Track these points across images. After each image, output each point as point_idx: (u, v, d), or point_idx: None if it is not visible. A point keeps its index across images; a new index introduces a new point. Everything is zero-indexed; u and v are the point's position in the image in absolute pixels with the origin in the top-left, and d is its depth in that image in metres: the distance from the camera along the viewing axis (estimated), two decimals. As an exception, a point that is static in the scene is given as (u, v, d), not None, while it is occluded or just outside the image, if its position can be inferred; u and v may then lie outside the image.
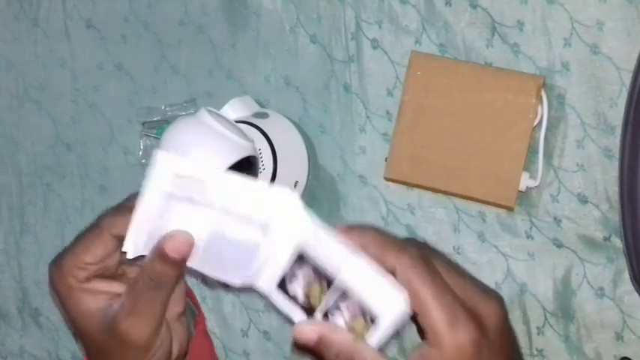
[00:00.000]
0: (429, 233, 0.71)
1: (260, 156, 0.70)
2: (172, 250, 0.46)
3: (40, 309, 0.86)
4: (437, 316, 0.42)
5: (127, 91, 0.81)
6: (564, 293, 0.68)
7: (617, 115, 0.64)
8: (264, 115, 0.73)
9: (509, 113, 0.63)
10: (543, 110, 0.64)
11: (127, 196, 0.49)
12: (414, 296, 0.42)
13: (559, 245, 0.68)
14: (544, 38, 0.66)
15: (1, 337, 0.87)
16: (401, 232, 0.72)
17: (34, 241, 0.86)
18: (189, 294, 0.57)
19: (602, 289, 0.67)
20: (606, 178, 0.66)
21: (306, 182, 0.74)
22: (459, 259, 0.69)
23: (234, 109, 0.73)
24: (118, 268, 0.50)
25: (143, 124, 0.79)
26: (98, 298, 0.48)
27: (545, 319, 0.68)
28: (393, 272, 0.43)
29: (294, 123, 0.74)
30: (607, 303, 0.66)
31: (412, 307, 0.42)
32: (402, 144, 0.66)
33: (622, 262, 0.65)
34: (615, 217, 0.65)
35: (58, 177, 0.84)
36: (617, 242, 0.66)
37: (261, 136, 0.70)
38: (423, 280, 0.42)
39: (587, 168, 0.66)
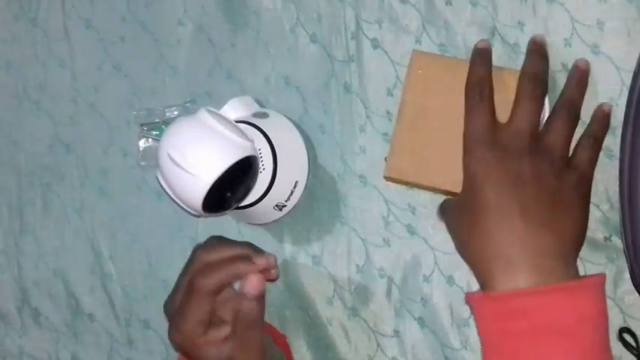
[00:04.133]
0: (429, 233, 0.71)
1: (260, 156, 0.70)
2: (252, 289, 0.61)
3: (40, 309, 0.86)
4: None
5: (126, 92, 0.81)
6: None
7: (617, 115, 0.64)
8: (264, 115, 0.73)
9: (509, 113, 0.63)
10: (545, 111, 0.64)
11: (197, 248, 0.66)
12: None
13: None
14: (544, 38, 0.66)
15: (1, 337, 0.88)
16: (401, 232, 0.72)
17: (33, 242, 0.86)
18: (279, 338, 0.74)
19: (602, 289, 0.67)
20: (606, 178, 0.66)
21: (306, 182, 0.74)
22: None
23: (234, 109, 0.73)
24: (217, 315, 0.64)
25: (142, 125, 0.80)
26: (214, 344, 0.63)
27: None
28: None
29: (294, 123, 0.74)
30: (607, 303, 0.66)
31: None
32: (402, 143, 0.66)
33: (622, 262, 0.65)
34: (616, 217, 0.65)
35: (58, 177, 0.84)
36: (618, 242, 0.65)
37: (261, 136, 0.70)
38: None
39: (588, 168, 0.66)
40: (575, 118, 0.61)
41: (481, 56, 0.62)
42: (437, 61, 0.66)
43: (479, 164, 0.59)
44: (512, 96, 0.63)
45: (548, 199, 0.57)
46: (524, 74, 0.61)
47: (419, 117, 0.65)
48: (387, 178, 0.69)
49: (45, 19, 0.84)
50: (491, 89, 0.61)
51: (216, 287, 0.62)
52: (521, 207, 0.57)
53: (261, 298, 0.62)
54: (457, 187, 0.65)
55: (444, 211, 0.64)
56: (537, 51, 0.62)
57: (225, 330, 0.63)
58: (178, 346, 0.64)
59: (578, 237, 0.60)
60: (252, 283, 0.61)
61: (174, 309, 0.64)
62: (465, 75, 0.63)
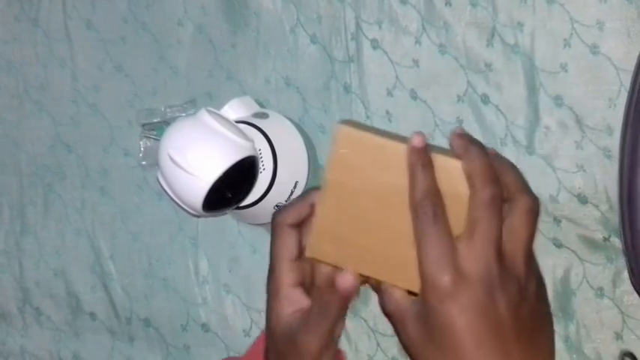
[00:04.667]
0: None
1: (260, 156, 0.70)
2: (342, 287, 0.54)
3: (41, 309, 0.86)
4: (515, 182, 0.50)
5: (127, 92, 0.81)
6: (564, 293, 0.68)
7: (616, 116, 0.64)
8: (264, 116, 0.73)
9: (456, 206, 0.54)
10: None
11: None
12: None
13: (559, 245, 0.68)
14: (544, 38, 0.66)
15: (3, 336, 0.87)
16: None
17: (34, 242, 0.86)
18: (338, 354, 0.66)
19: (601, 289, 0.67)
20: (606, 178, 0.66)
21: (306, 182, 0.74)
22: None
23: (234, 110, 0.73)
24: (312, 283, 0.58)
25: (143, 125, 0.79)
26: (292, 306, 0.58)
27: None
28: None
29: (294, 123, 0.74)
30: (606, 303, 0.66)
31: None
32: (325, 224, 0.59)
33: (621, 262, 0.65)
34: (615, 217, 0.65)
35: (59, 177, 0.84)
36: (617, 242, 0.66)
37: (261, 136, 0.70)
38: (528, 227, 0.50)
39: (587, 168, 0.66)
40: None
41: (421, 160, 0.53)
42: (363, 140, 0.57)
43: (444, 303, 0.51)
44: (443, 188, 0.55)
45: (526, 325, 0.51)
46: (475, 180, 0.51)
47: (343, 198, 0.58)
48: (310, 258, 0.65)
49: (46, 20, 0.84)
50: (442, 205, 0.52)
51: (295, 218, 0.57)
52: (506, 350, 0.51)
53: (347, 299, 0.56)
54: (378, 274, 0.58)
55: (397, 312, 0.56)
56: (471, 143, 0.52)
57: (307, 302, 0.58)
58: (268, 286, 0.59)
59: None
60: (344, 280, 0.55)
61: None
62: (395, 159, 0.55)
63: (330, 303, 0.56)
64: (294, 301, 0.58)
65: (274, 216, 0.58)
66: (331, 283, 0.55)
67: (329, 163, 0.57)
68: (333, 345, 0.59)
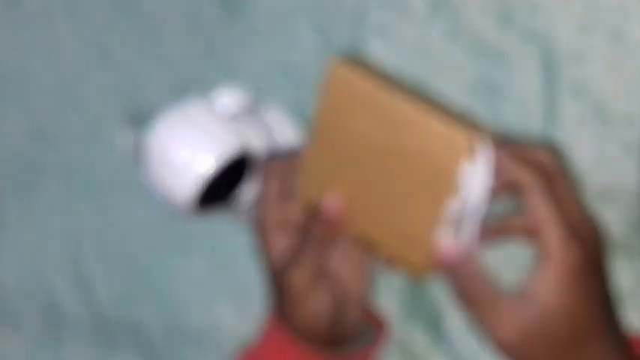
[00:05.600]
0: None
1: (254, 152, 0.68)
2: (326, 212, 0.55)
3: (20, 314, 0.86)
4: (554, 235, 0.49)
5: (112, 82, 0.80)
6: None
7: (638, 107, 0.63)
8: (258, 110, 0.71)
9: (428, 171, 0.55)
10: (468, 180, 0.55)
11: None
12: (535, 217, 0.50)
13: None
14: (562, 23, 0.65)
15: None
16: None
17: (12, 243, 0.86)
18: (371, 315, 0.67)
19: (623, 288, 0.65)
20: (626, 172, 0.65)
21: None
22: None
23: (226, 102, 0.71)
24: None
25: (130, 117, 0.78)
26: (282, 243, 0.58)
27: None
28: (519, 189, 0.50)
29: (290, 114, 0.73)
30: (627, 302, 0.65)
31: (534, 225, 0.50)
32: (314, 170, 0.60)
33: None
34: (635, 212, 0.64)
35: (39, 173, 0.84)
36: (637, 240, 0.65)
37: (257, 131, 0.69)
38: (546, 204, 0.50)
39: (606, 162, 0.65)
40: None
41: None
42: (360, 89, 0.56)
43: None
44: (434, 154, 0.54)
45: None
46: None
47: (332, 145, 0.58)
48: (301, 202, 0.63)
49: (28, 5, 0.82)
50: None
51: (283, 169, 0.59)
52: None
53: (332, 224, 0.57)
54: (367, 230, 0.59)
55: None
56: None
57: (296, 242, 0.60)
58: (253, 227, 0.61)
59: None
60: (329, 205, 0.56)
61: None
62: (394, 112, 0.54)
63: (313, 231, 0.57)
64: (282, 240, 0.59)
65: (266, 162, 0.60)
66: (316, 211, 0.56)
67: (319, 107, 0.56)
68: (326, 284, 0.60)
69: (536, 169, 0.51)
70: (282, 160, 0.59)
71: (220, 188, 0.67)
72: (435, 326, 0.71)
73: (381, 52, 0.71)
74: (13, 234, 0.85)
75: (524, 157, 0.51)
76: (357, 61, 0.55)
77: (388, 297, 0.72)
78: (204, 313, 0.79)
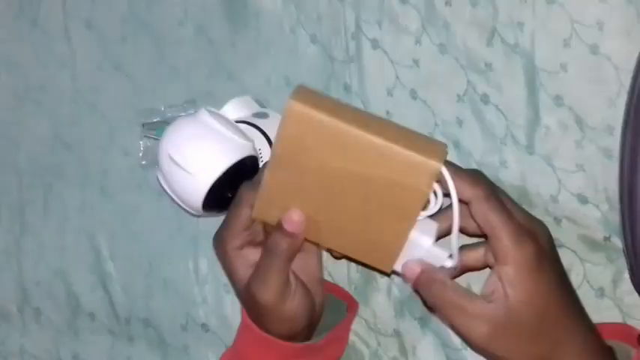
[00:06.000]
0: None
1: (260, 156, 0.70)
2: (288, 225, 0.57)
3: (41, 309, 0.86)
4: (506, 238, 0.52)
5: (127, 92, 0.81)
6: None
7: (616, 116, 0.64)
8: (264, 115, 0.73)
9: (396, 195, 0.54)
10: (438, 199, 0.56)
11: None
12: (487, 224, 0.53)
13: (559, 245, 0.67)
14: (544, 38, 0.66)
15: (2, 337, 0.87)
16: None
17: (34, 241, 0.86)
18: (337, 290, 0.71)
19: (602, 289, 0.67)
20: (606, 178, 0.66)
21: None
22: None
23: (234, 109, 0.73)
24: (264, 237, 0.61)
25: (143, 125, 0.79)
26: (246, 263, 0.60)
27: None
28: (467, 202, 0.53)
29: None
30: (607, 303, 0.66)
31: (487, 231, 0.53)
32: (272, 191, 0.58)
33: (622, 262, 0.65)
34: (615, 217, 0.65)
35: (58, 177, 0.84)
36: (618, 242, 0.65)
37: (261, 136, 0.70)
38: (494, 210, 0.53)
39: (587, 168, 0.66)
40: None
41: None
42: (316, 121, 0.53)
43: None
44: (400, 180, 0.53)
45: None
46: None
47: (291, 171, 0.56)
48: (256, 219, 0.62)
49: (45, 19, 0.84)
50: None
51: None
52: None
53: (294, 237, 0.58)
54: (324, 241, 0.60)
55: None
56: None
57: (258, 255, 0.61)
58: (214, 247, 0.63)
59: None
60: (291, 218, 0.57)
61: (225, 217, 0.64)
62: (349, 141, 0.52)
63: (277, 243, 0.58)
64: (247, 258, 0.61)
65: (244, 188, 0.61)
66: (278, 227, 0.57)
67: (278, 137, 0.55)
68: (319, 290, 0.63)
69: (477, 182, 0.54)
70: (255, 188, 0.59)
71: (229, 189, 0.67)
72: (428, 318, 0.72)
73: (375, 64, 0.72)
74: (34, 234, 0.85)
75: (464, 174, 0.54)
76: (313, 93, 0.54)
77: (380, 292, 0.73)
78: (214, 310, 0.78)
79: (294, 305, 0.61)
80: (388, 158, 0.52)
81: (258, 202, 0.58)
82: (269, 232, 0.60)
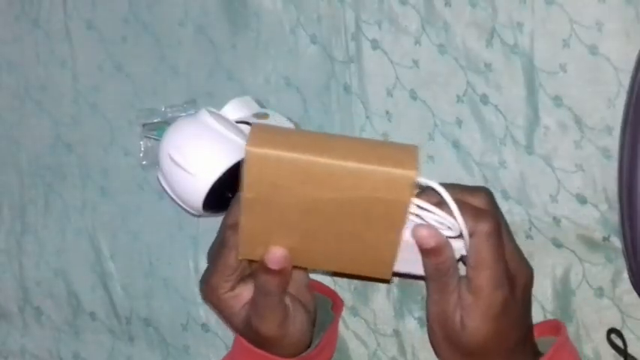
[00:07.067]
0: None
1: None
2: (272, 263, 0.57)
3: (41, 308, 0.86)
4: (487, 277, 0.54)
5: (128, 92, 0.82)
6: (563, 293, 0.68)
7: (615, 116, 0.65)
8: (264, 116, 0.73)
9: (378, 210, 0.53)
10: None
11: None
12: (478, 255, 0.54)
13: (558, 245, 0.68)
14: (543, 39, 0.66)
15: (3, 336, 0.87)
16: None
17: (35, 241, 0.86)
18: (320, 287, 0.71)
19: (601, 288, 0.67)
20: (605, 178, 0.66)
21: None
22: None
23: (234, 110, 0.73)
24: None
25: (143, 125, 0.80)
26: (241, 302, 0.61)
27: (545, 318, 0.68)
28: (470, 233, 0.53)
29: (294, 123, 0.74)
30: (606, 303, 0.67)
31: (474, 262, 0.54)
32: (250, 232, 0.57)
33: (621, 262, 0.66)
34: (614, 217, 0.65)
35: (59, 177, 0.84)
36: (617, 242, 0.66)
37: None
38: (489, 248, 0.53)
39: (586, 168, 0.66)
40: None
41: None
42: (275, 161, 0.52)
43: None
44: (380, 195, 0.52)
45: None
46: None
47: (264, 209, 0.56)
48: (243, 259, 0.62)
49: (46, 20, 0.84)
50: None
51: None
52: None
53: (281, 272, 0.57)
54: (312, 264, 0.60)
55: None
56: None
57: (251, 292, 0.61)
58: (204, 296, 0.62)
59: None
60: (274, 256, 0.57)
61: (210, 258, 0.63)
62: (311, 170, 0.52)
63: (267, 282, 0.58)
64: (241, 295, 0.61)
65: (228, 230, 0.59)
66: (263, 266, 0.57)
67: (244, 184, 0.54)
68: (298, 314, 0.62)
69: (486, 216, 0.53)
70: (237, 230, 0.58)
71: (229, 189, 0.68)
72: (425, 316, 0.72)
73: (375, 64, 0.72)
74: (34, 234, 0.85)
75: (469, 204, 0.54)
76: (269, 131, 0.53)
77: (380, 292, 0.73)
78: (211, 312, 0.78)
79: (297, 328, 0.61)
80: (361, 179, 0.51)
81: (242, 244, 0.58)
82: (255, 268, 0.59)
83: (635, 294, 0.64)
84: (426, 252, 0.54)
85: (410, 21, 0.71)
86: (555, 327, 0.62)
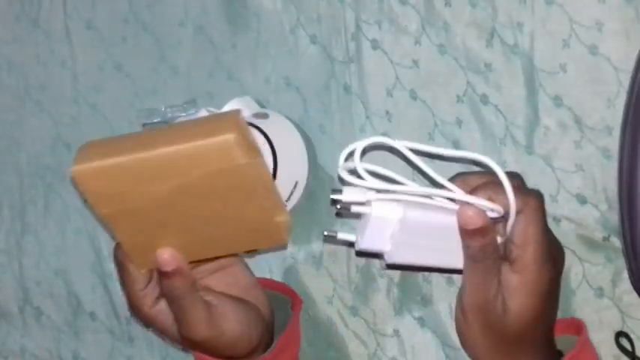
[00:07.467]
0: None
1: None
2: (165, 265, 0.56)
3: (41, 308, 0.86)
4: (535, 252, 0.53)
5: (128, 92, 0.82)
6: (563, 293, 0.68)
7: (615, 116, 0.64)
8: (264, 116, 0.73)
9: (227, 181, 0.53)
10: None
11: None
12: (526, 231, 0.53)
13: (558, 245, 0.68)
14: (543, 39, 0.66)
15: (3, 336, 0.88)
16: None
17: (35, 241, 0.86)
18: (278, 286, 0.71)
19: (601, 288, 0.67)
20: (605, 178, 0.66)
21: (306, 182, 0.74)
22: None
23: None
24: None
25: (143, 125, 0.80)
26: (169, 315, 0.59)
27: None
28: (518, 210, 0.53)
29: (294, 123, 0.74)
30: (606, 303, 0.67)
31: (521, 239, 0.53)
32: (131, 243, 0.57)
33: (621, 262, 0.65)
34: (614, 217, 0.65)
35: (59, 177, 0.85)
36: (617, 242, 0.66)
37: (261, 136, 0.71)
38: (537, 222, 0.53)
39: (586, 168, 0.66)
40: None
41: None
42: (104, 170, 0.53)
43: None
44: (231, 162, 0.52)
45: None
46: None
47: (128, 218, 0.55)
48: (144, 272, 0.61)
49: (46, 20, 0.84)
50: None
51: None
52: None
53: (178, 272, 0.57)
54: (199, 254, 0.59)
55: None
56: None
57: None
58: (136, 319, 0.63)
59: None
60: (162, 258, 0.56)
61: (120, 283, 0.62)
62: (142, 166, 0.52)
63: (170, 286, 0.57)
64: (166, 311, 0.60)
65: (116, 250, 0.59)
66: (158, 272, 0.57)
67: (89, 203, 0.55)
68: (260, 295, 0.62)
69: (532, 192, 0.54)
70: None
71: None
72: (425, 316, 0.72)
73: (375, 64, 0.72)
74: (34, 234, 0.86)
75: (518, 185, 0.54)
76: (91, 146, 0.54)
77: (380, 292, 0.73)
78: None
79: (233, 325, 0.60)
80: (188, 159, 0.51)
81: (133, 258, 0.58)
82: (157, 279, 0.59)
83: (635, 294, 0.64)
84: (471, 234, 0.53)
85: (410, 21, 0.71)
86: (572, 325, 0.62)
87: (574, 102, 0.66)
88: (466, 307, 0.56)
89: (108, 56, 0.82)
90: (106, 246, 0.83)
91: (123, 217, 0.55)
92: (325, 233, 0.57)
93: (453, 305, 0.70)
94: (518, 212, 0.54)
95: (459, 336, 0.59)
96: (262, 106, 0.76)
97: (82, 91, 0.83)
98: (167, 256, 0.56)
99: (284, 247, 0.62)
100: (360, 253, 0.63)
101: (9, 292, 0.87)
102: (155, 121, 0.80)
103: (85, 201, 0.54)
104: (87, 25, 0.83)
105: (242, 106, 0.74)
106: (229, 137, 0.51)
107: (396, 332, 0.73)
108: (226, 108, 0.73)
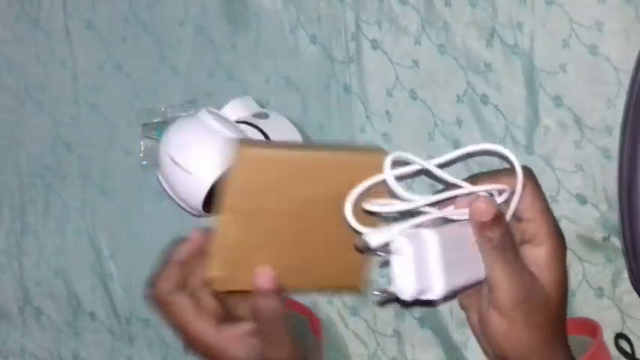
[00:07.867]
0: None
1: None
2: (267, 283, 0.55)
3: (41, 308, 0.86)
4: (547, 220, 0.56)
5: (128, 92, 0.82)
6: (563, 293, 0.68)
7: (615, 116, 0.64)
8: (264, 116, 0.73)
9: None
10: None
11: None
12: (533, 204, 0.56)
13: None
14: (543, 39, 0.66)
15: (3, 336, 0.88)
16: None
17: (34, 241, 0.86)
18: (294, 305, 0.70)
19: (601, 288, 0.67)
20: (605, 178, 0.66)
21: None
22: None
23: (234, 110, 0.73)
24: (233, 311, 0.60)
25: (143, 125, 0.80)
26: (238, 341, 0.59)
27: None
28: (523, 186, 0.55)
29: (294, 123, 0.74)
30: (606, 303, 0.67)
31: (531, 212, 0.55)
32: (231, 252, 0.55)
33: (621, 262, 0.65)
34: (614, 217, 0.65)
35: (59, 177, 0.85)
36: (617, 242, 0.66)
37: (262, 136, 0.71)
38: (541, 195, 0.56)
39: (586, 168, 0.66)
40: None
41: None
42: (269, 158, 0.52)
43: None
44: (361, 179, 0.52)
45: None
46: None
47: (248, 221, 0.54)
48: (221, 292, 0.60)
49: (46, 20, 0.84)
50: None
51: (172, 282, 0.60)
52: None
53: (277, 291, 0.56)
54: (305, 284, 0.58)
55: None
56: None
57: (244, 326, 0.60)
58: (196, 355, 0.61)
59: None
60: (266, 274, 0.55)
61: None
62: (307, 164, 0.52)
63: (269, 305, 0.56)
64: (229, 337, 0.59)
65: (150, 292, 0.60)
66: (260, 290, 0.55)
67: (230, 188, 0.52)
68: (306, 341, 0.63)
69: (530, 173, 0.56)
70: (168, 277, 0.59)
71: None
72: (425, 316, 0.72)
73: (375, 64, 0.72)
74: (34, 234, 0.86)
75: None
76: (253, 141, 0.55)
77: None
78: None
79: (297, 346, 0.60)
80: (341, 165, 0.52)
81: (218, 271, 0.55)
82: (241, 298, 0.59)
83: (635, 294, 0.64)
84: (490, 224, 0.53)
85: (410, 21, 0.71)
86: (586, 326, 0.62)
87: (574, 102, 0.66)
88: (506, 306, 0.54)
89: (108, 56, 0.82)
90: (106, 246, 0.83)
91: (242, 220, 0.53)
92: (375, 293, 0.53)
93: (453, 305, 0.70)
94: (523, 187, 0.55)
95: (496, 345, 0.56)
96: (262, 106, 0.76)
97: (82, 91, 0.83)
98: (270, 272, 0.55)
99: (357, 292, 0.62)
100: (405, 303, 0.61)
101: (9, 292, 0.87)
102: (155, 121, 0.80)
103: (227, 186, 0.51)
104: (87, 25, 0.83)
105: (242, 106, 0.74)
106: (382, 154, 0.51)
107: (396, 332, 0.73)
108: (226, 108, 0.73)
